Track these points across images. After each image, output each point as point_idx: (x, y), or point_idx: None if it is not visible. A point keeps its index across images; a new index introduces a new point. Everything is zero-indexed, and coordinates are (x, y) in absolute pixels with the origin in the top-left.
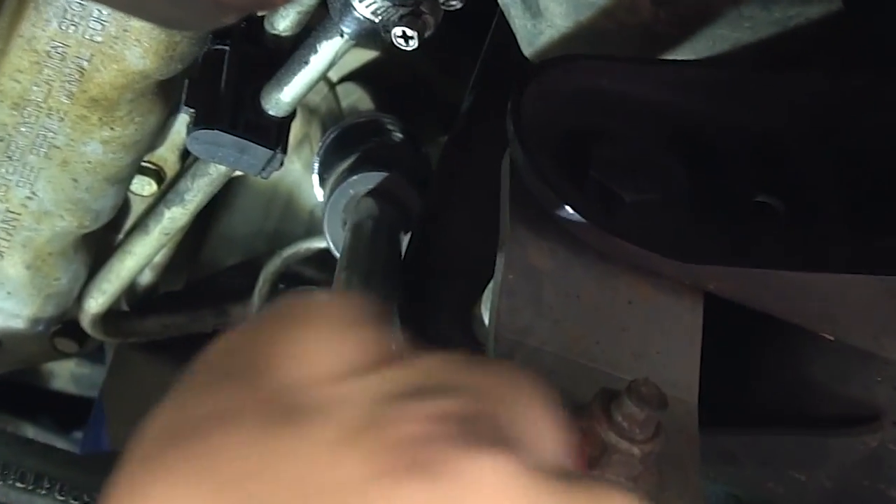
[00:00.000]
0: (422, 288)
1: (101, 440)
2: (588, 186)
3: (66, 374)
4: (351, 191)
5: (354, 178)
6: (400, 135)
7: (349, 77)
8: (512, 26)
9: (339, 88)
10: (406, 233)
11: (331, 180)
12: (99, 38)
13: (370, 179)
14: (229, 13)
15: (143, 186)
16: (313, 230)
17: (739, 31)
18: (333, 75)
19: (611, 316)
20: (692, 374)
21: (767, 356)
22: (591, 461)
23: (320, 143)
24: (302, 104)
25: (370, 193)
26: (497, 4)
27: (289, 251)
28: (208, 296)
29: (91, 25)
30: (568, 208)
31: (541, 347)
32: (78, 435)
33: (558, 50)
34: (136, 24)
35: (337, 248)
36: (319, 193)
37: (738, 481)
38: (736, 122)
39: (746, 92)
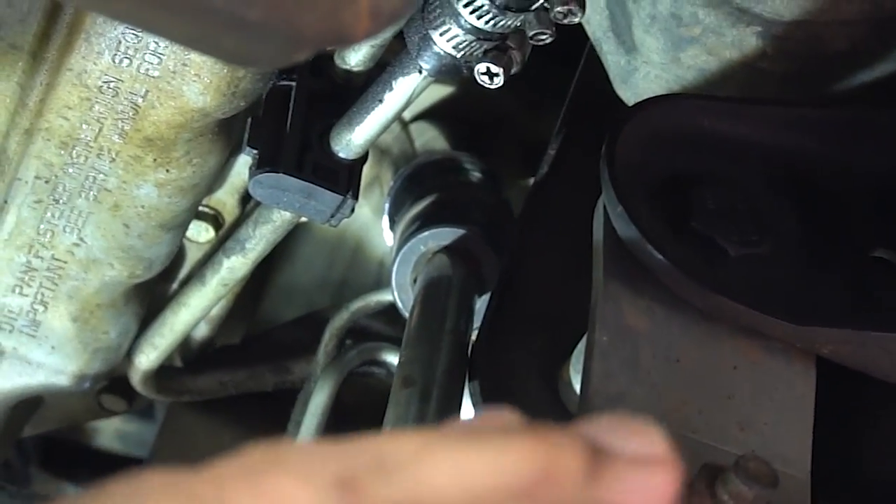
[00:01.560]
0: (505, 349)
1: None
2: (689, 238)
3: (111, 431)
4: (422, 247)
5: (427, 232)
6: (479, 174)
7: (423, 115)
8: (604, 62)
9: (413, 127)
10: (480, 295)
11: (401, 226)
12: (155, 73)
13: (444, 235)
14: (304, 49)
15: (200, 233)
16: (383, 281)
17: (854, 67)
18: (407, 113)
19: (714, 382)
20: (804, 448)
21: (882, 424)
22: None
23: (392, 182)
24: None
25: (444, 250)
26: (587, 37)
27: (356, 304)
28: (268, 351)
29: (147, 59)
30: (667, 262)
31: None
32: None
33: (654, 88)
34: (196, 57)
35: (404, 306)
36: (389, 238)
37: None
38: (852, 166)
39: (863, 133)
